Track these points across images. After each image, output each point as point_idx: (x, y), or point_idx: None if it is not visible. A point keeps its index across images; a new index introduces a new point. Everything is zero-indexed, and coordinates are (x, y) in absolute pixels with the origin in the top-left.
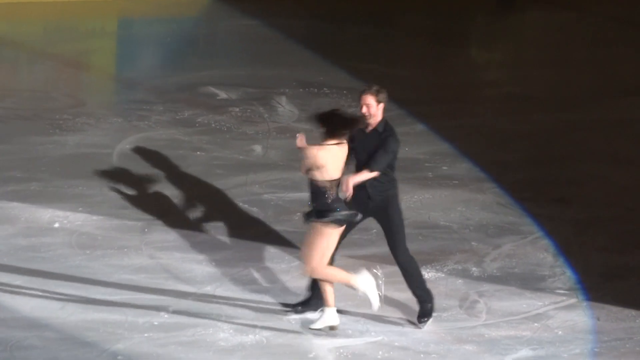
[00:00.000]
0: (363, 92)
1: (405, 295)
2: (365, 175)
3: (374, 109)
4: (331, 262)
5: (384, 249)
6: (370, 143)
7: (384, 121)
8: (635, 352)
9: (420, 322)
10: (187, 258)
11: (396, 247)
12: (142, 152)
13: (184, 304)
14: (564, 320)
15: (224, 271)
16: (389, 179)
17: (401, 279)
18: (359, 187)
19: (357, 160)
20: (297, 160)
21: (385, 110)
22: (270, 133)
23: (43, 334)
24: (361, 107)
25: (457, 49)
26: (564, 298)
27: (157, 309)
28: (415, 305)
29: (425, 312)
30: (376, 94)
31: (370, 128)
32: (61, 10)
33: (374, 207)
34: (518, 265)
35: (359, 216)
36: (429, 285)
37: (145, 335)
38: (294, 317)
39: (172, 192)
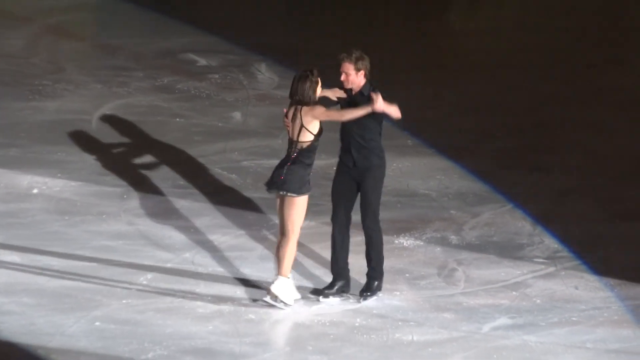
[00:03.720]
0: (342, 59)
1: (384, 264)
2: (394, 111)
3: (352, 76)
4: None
5: None
6: (356, 105)
7: (368, 84)
8: (613, 321)
9: (361, 295)
10: (165, 225)
11: (366, 214)
12: (122, 118)
13: (163, 270)
14: (542, 289)
15: (202, 238)
16: (375, 145)
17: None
18: (346, 151)
19: (342, 124)
20: (276, 127)
21: (367, 75)
22: (249, 100)
23: (21, 299)
24: (340, 75)
25: (437, 15)
26: (542, 267)
27: (136, 275)
28: (393, 273)
29: (369, 288)
30: (355, 61)
31: (354, 91)
32: None
33: (357, 174)
34: (497, 234)
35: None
36: (407, 253)
37: (124, 301)
38: (323, 300)
39: (151, 159)
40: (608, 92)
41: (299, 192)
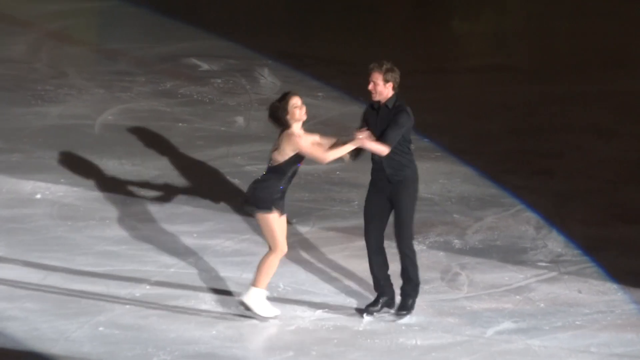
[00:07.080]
0: (372, 68)
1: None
2: (376, 147)
3: (380, 87)
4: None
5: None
6: (379, 119)
7: (394, 98)
8: (616, 324)
9: (398, 314)
10: (168, 229)
11: (400, 234)
12: (124, 123)
13: (166, 275)
14: (545, 292)
15: (205, 243)
16: (407, 158)
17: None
18: (378, 168)
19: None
20: (278, 132)
21: (396, 88)
22: (252, 105)
23: (24, 305)
24: (369, 83)
25: (438, 19)
26: (546, 271)
27: (139, 280)
28: (397, 277)
29: (405, 306)
30: (384, 72)
31: (381, 104)
32: None
33: (391, 190)
34: (500, 238)
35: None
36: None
37: (127, 306)
38: (367, 319)
39: (153, 164)
40: (609, 96)
41: (257, 207)
